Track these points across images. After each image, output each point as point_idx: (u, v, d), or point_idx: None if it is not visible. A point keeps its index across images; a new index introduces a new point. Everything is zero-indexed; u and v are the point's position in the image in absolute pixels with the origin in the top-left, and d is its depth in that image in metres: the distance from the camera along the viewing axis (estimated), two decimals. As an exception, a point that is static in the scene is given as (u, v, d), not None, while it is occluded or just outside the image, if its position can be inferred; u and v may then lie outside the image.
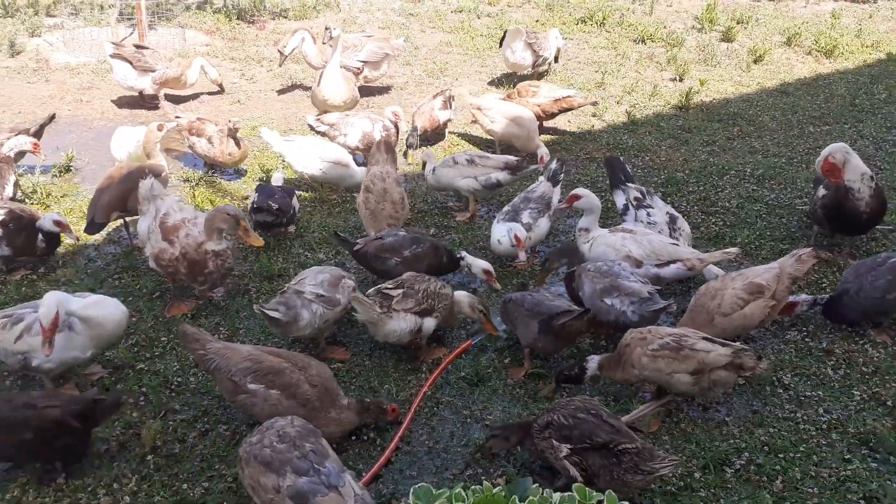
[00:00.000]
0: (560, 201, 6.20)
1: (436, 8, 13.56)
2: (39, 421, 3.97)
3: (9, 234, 5.69)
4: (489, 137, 8.33)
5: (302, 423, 3.79)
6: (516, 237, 5.74)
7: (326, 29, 8.54)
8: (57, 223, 5.82)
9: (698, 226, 6.81)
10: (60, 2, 12.13)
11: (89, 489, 4.10)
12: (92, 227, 6.00)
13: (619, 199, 6.33)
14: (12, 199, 6.43)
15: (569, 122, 9.20)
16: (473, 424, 4.64)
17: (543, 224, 6.10)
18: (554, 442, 3.93)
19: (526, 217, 6.03)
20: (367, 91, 9.70)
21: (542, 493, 2.31)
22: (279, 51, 9.53)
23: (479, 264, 5.70)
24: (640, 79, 10.56)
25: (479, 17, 13.17)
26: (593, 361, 4.64)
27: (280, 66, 9.70)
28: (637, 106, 9.59)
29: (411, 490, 2.35)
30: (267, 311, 4.83)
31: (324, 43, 9.10)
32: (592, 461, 3.83)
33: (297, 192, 6.81)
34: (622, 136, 8.75)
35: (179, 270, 5.37)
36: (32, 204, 6.81)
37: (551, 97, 8.55)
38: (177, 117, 7.51)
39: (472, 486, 2.39)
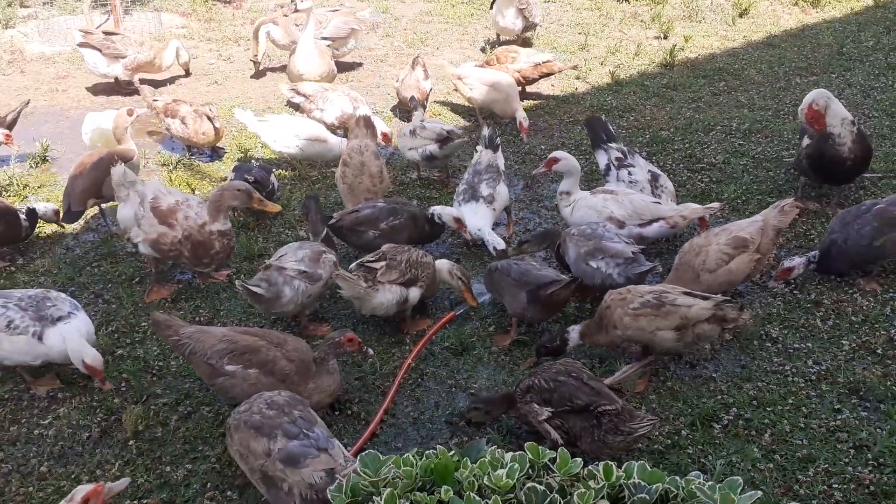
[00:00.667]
0: (538, 166, 6.10)
1: (415, -22, 13.35)
2: None
3: None
4: (470, 105, 8.22)
5: (289, 394, 3.79)
6: (496, 250, 5.58)
7: (292, 1, 8.36)
8: (56, 213, 6.03)
9: (684, 183, 6.72)
10: (34, -9, 11.95)
11: (73, 476, 4.07)
12: (69, 216, 5.92)
13: (602, 160, 6.23)
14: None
15: (552, 85, 9.07)
16: (459, 394, 4.60)
17: (503, 190, 5.97)
18: (535, 406, 3.88)
19: (484, 189, 5.87)
20: (344, 66, 9.56)
21: (496, 454, 2.25)
22: (252, 60, 9.34)
23: (448, 211, 5.60)
24: (623, 38, 10.40)
25: (460, -15, 12.96)
26: (574, 332, 4.57)
27: (258, 69, 9.47)
28: (621, 66, 9.44)
29: (358, 458, 2.30)
30: (250, 287, 4.76)
31: (285, 16, 8.95)
32: (573, 424, 3.78)
33: (274, 169, 6.72)
34: (606, 97, 8.62)
35: (182, 253, 5.24)
36: (9, 196, 6.72)
37: (531, 62, 8.42)
38: (154, 100, 7.40)
39: (427, 451, 2.33)
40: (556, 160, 5.66)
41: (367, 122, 6.29)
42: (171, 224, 5.19)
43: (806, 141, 6.13)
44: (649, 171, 5.98)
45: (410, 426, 4.39)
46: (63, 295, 4.62)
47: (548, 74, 8.62)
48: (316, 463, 3.37)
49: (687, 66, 9.43)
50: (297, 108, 7.56)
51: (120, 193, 5.38)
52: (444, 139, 6.65)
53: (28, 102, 7.60)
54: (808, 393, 4.44)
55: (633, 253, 4.98)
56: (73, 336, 4.35)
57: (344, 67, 9.49)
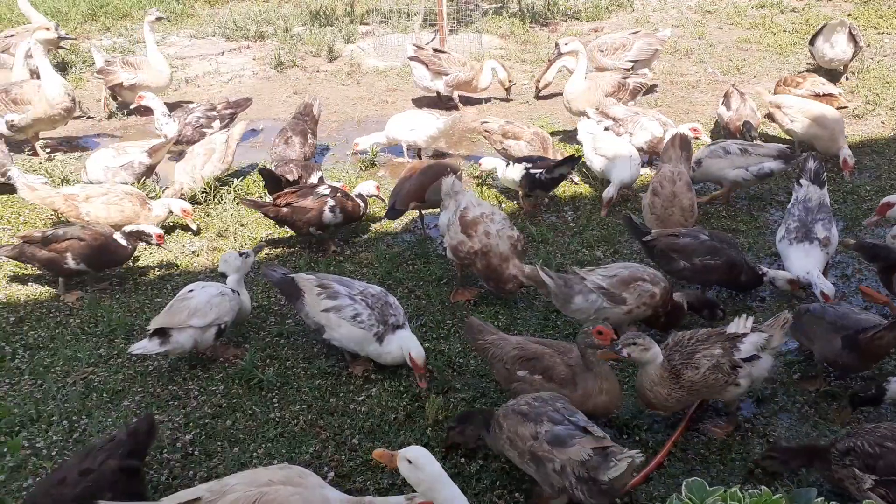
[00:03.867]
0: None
1: (735, 3, 12.92)
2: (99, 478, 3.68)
3: (340, 203, 6.43)
4: (787, 137, 7.81)
5: (551, 393, 4.08)
6: (824, 294, 5.19)
7: (556, 45, 8.58)
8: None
9: None
10: (372, 11, 13.24)
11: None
12: (392, 213, 6.51)
13: (942, 206, 5.63)
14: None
15: (882, 123, 8.34)
16: (754, 439, 4.40)
17: (835, 233, 5.58)
18: (856, 471, 3.60)
19: (820, 230, 5.49)
20: (645, 89, 9.51)
21: (830, 507, 2.14)
22: (535, 84, 9.63)
23: (782, 275, 5.39)
24: (976, 75, 9.29)
25: (782, 13, 12.36)
26: (895, 384, 4.18)
27: (538, 94, 9.74)
28: (970, 106, 8.45)
29: (684, 483, 2.29)
30: (542, 273, 5.05)
31: (550, 61, 9.24)
32: (901, 495, 3.47)
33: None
34: (949, 139, 7.77)
35: (475, 264, 5.57)
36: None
37: (812, 91, 8.11)
38: (483, 122, 7.84)
39: (750, 490, 2.27)
40: (890, 205, 5.20)
41: (683, 142, 6.18)
42: (470, 235, 5.53)
43: None
44: None
45: (699, 464, 4.28)
46: (397, 302, 5.07)
47: None
48: (583, 442, 3.61)
49: None
50: (606, 130, 7.64)
51: (445, 202, 5.83)
52: (788, 156, 6.64)
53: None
54: None
55: None
56: (406, 335, 4.88)
57: (646, 91, 9.45)
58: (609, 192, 6.84)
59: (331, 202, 6.40)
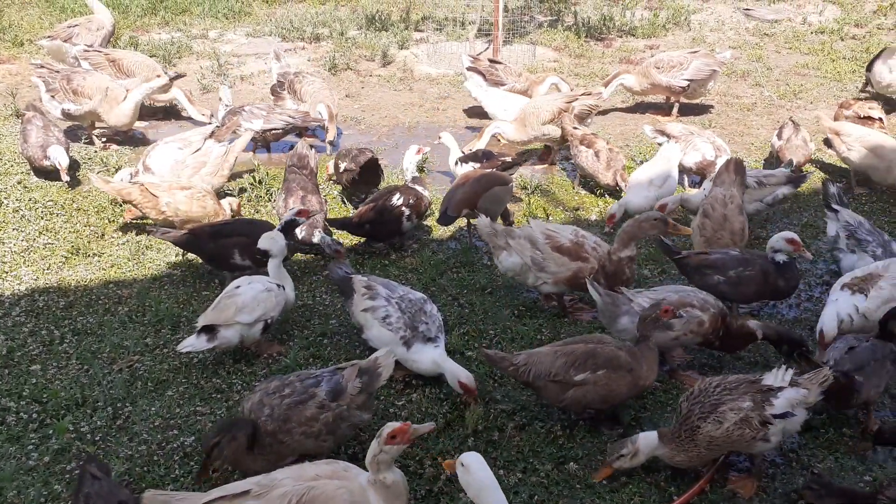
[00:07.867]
0: None
1: (794, 28, 12.76)
2: None
3: (414, 208, 6.52)
4: (843, 166, 7.69)
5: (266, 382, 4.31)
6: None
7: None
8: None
9: None
10: (428, 18, 13.30)
11: (417, 458, 4.42)
12: (444, 219, 6.48)
13: None
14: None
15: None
16: (798, 470, 4.32)
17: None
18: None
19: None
20: (700, 109, 9.41)
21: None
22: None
23: (780, 235, 5.32)
24: None
25: (842, 40, 12.17)
26: None
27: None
28: None
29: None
30: (591, 288, 5.05)
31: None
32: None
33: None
34: None
35: (598, 281, 5.45)
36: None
37: (857, 113, 8.18)
38: (574, 128, 7.75)
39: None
40: None
41: (739, 168, 6.09)
42: (585, 258, 5.46)
43: None
44: None
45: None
46: (435, 311, 5.06)
47: None
48: (348, 376, 4.19)
49: None
50: (660, 146, 7.59)
51: (498, 242, 5.69)
52: (796, 178, 6.71)
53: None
54: None
55: None
56: (445, 358, 4.83)
57: (700, 110, 9.42)
58: (612, 208, 6.83)
59: (406, 211, 6.48)
